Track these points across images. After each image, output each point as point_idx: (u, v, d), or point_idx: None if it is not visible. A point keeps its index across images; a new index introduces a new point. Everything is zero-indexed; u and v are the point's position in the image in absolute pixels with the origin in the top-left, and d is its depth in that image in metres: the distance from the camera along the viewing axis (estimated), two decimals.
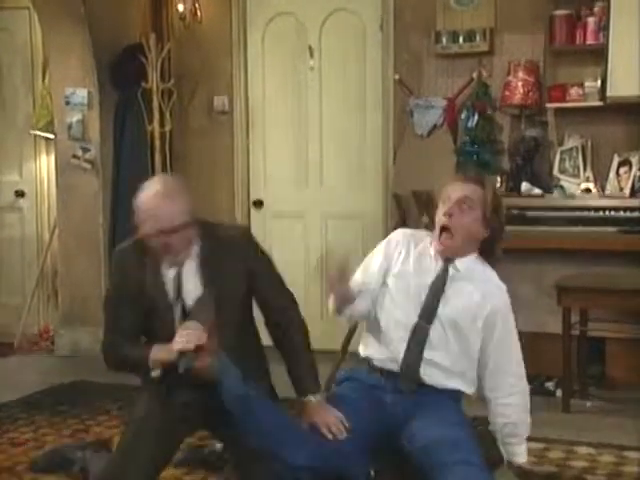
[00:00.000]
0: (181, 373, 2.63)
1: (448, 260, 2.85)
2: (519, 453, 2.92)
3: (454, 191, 2.83)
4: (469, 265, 2.86)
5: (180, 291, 2.75)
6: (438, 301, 2.82)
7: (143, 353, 2.72)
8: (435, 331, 2.81)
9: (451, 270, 2.85)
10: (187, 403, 2.76)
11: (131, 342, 2.78)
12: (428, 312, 2.81)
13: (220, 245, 2.78)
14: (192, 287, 2.75)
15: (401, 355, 2.81)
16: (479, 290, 2.83)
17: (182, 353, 2.62)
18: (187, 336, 2.62)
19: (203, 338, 2.63)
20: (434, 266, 2.86)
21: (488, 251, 2.91)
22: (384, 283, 2.89)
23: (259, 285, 2.83)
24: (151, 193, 2.66)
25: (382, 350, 2.87)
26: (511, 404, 2.88)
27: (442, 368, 2.82)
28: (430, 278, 2.85)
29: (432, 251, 2.88)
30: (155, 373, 2.72)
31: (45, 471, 3.55)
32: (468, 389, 2.89)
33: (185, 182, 2.82)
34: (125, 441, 2.84)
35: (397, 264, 2.89)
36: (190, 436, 3.06)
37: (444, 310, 2.81)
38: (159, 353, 2.70)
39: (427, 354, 2.81)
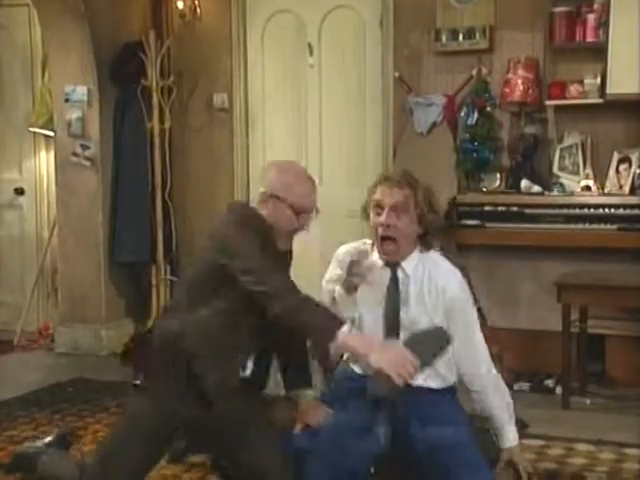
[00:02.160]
0: (375, 395, 2.47)
1: (394, 266, 2.85)
2: (504, 436, 2.91)
3: (385, 197, 2.81)
4: (415, 265, 2.86)
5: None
6: (398, 310, 2.83)
7: (335, 321, 2.51)
8: (405, 340, 2.81)
9: (400, 275, 2.85)
10: (188, 419, 2.67)
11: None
12: (392, 324, 2.81)
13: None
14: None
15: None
16: (432, 285, 2.83)
17: (385, 377, 2.43)
18: (408, 373, 2.45)
19: (413, 377, 2.47)
20: (383, 276, 2.85)
21: (425, 245, 2.90)
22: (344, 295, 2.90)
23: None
24: (311, 188, 2.79)
25: (366, 369, 2.88)
26: (485, 391, 2.88)
27: (423, 373, 2.83)
28: (383, 290, 2.84)
29: (378, 262, 2.87)
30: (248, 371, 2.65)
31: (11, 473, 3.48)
32: (453, 378, 2.90)
33: None
34: (115, 442, 2.80)
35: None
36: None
37: (407, 316, 2.82)
38: (357, 340, 2.52)
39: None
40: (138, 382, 2.68)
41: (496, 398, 2.90)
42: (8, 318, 6.30)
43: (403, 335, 2.82)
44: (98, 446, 2.94)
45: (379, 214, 2.82)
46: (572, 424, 4.09)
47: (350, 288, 2.86)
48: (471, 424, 2.93)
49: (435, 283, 2.83)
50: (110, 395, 4.61)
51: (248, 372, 2.69)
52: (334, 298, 2.92)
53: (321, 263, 5.67)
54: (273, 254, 2.70)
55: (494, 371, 2.93)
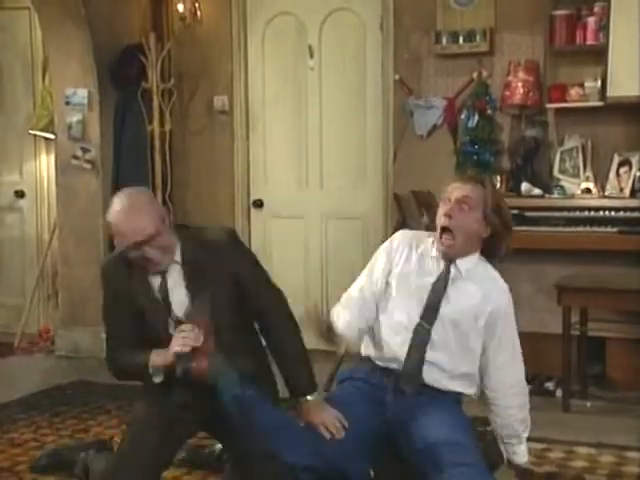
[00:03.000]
0: (179, 375, 2.64)
1: (450, 261, 2.85)
2: (519, 453, 2.92)
3: (454, 191, 2.83)
4: (471, 266, 2.86)
5: (167, 297, 2.77)
6: (440, 302, 2.82)
7: (143, 359, 2.73)
8: (437, 332, 2.80)
9: (453, 271, 2.84)
10: (186, 404, 2.76)
11: (132, 350, 2.79)
12: (430, 313, 2.81)
13: (203, 249, 2.79)
14: (178, 292, 2.77)
15: (403, 355, 2.81)
16: (481, 291, 2.83)
17: (179, 356, 2.64)
18: (183, 339, 2.65)
19: (199, 340, 2.64)
20: (436, 267, 2.86)
21: (490, 250, 2.91)
22: (387, 284, 2.89)
23: (242, 286, 2.82)
24: (115, 210, 2.70)
25: (384, 350, 2.87)
26: (511, 405, 2.87)
27: (444, 369, 2.82)
28: (432, 279, 2.84)
29: (434, 252, 2.87)
30: (158, 379, 2.73)
31: (45, 472, 3.55)
32: (469, 390, 2.89)
33: (149, 193, 2.87)
34: (126, 443, 2.84)
35: (399, 265, 2.88)
36: (191, 437, 3.06)
37: (446, 311, 2.81)
38: (158, 358, 2.71)
39: (429, 355, 2.80)
40: (158, 379, 2.72)
41: (520, 413, 2.89)
42: (8, 320, 6.30)
43: (437, 327, 2.81)
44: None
45: (445, 206, 2.82)
46: (572, 427, 4.09)
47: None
48: (472, 427, 2.93)
49: (484, 291, 2.83)
50: (110, 398, 4.61)
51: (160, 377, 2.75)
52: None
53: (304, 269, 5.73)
54: None
55: (526, 388, 2.93)
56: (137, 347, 2.78)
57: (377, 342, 2.90)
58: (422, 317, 2.81)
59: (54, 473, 3.53)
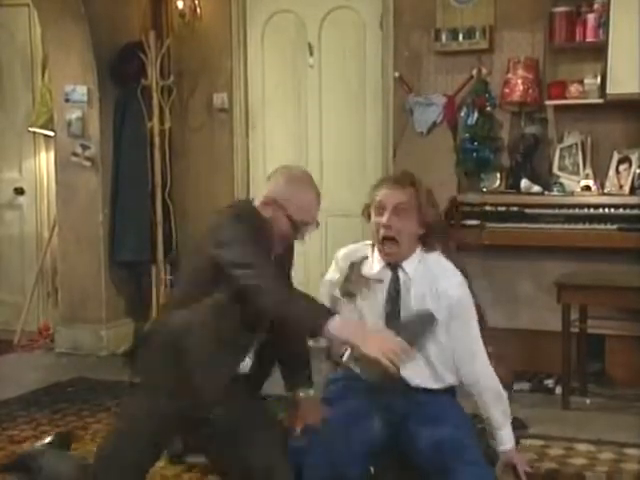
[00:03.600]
0: (375, 381, 2.61)
1: (395, 267, 2.85)
2: (498, 440, 2.93)
3: (387, 199, 2.81)
4: (416, 265, 2.87)
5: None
6: (398, 311, 2.83)
7: (321, 313, 2.53)
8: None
9: (402, 276, 2.85)
10: (175, 411, 2.65)
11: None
12: (392, 325, 2.81)
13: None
14: None
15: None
16: (433, 287, 2.84)
17: (376, 364, 2.48)
18: (397, 355, 2.48)
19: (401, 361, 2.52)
20: (384, 277, 2.85)
21: (428, 245, 2.90)
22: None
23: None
24: (315, 201, 2.77)
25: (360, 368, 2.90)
26: (484, 391, 2.89)
27: (422, 374, 2.84)
28: (384, 290, 2.84)
29: (378, 263, 2.87)
30: (346, 357, 2.59)
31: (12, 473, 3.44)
32: (456, 381, 2.90)
33: None
34: (114, 443, 2.78)
35: (351, 287, 2.88)
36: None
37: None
38: (348, 328, 2.50)
39: (406, 364, 2.81)
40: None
41: (492, 400, 2.91)
42: (8, 318, 6.30)
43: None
44: (97, 447, 2.92)
45: (381, 214, 2.81)
46: (572, 424, 4.09)
47: (349, 295, 2.86)
48: (472, 424, 2.93)
49: (436, 284, 2.83)
50: (110, 395, 4.61)
51: (247, 368, 2.69)
52: (336, 300, 2.92)
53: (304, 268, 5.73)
54: (267, 252, 2.68)
55: (491, 373, 2.93)
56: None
57: (357, 361, 2.89)
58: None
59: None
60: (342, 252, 3.03)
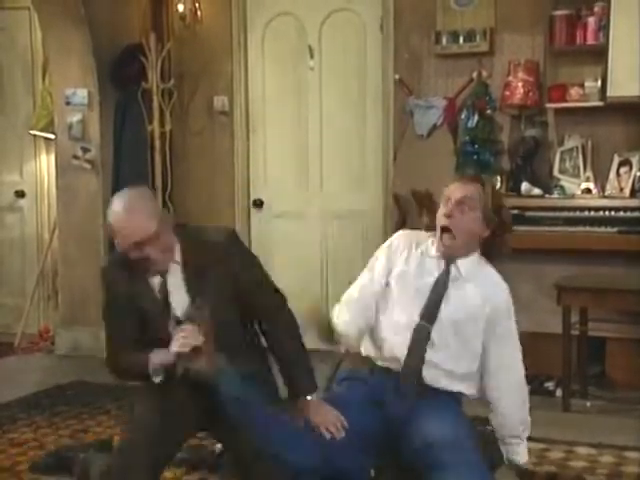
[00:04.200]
0: (179, 375, 2.66)
1: (450, 261, 2.85)
2: (519, 453, 2.92)
3: (454, 191, 2.83)
4: (470, 266, 2.86)
5: (167, 297, 2.77)
6: (440, 302, 2.82)
7: (143, 359, 2.74)
8: (437, 332, 2.80)
9: (453, 271, 2.84)
10: (186, 403, 2.76)
11: (132, 350, 2.80)
12: (430, 313, 2.81)
13: (203, 249, 2.78)
14: (178, 293, 2.77)
15: (402, 355, 2.81)
16: (480, 291, 2.83)
17: (179, 355, 2.65)
18: (183, 338, 2.65)
19: (199, 339, 2.64)
20: (436, 267, 2.86)
21: (490, 250, 2.91)
22: (387, 284, 2.89)
23: (242, 287, 2.81)
24: (115, 210, 2.69)
25: (383, 350, 2.87)
26: (511, 404, 2.88)
27: (444, 369, 2.82)
28: (432, 279, 2.84)
29: (434, 252, 2.88)
30: (158, 379, 2.73)
31: (45, 472, 3.54)
32: (469, 390, 2.89)
33: (149, 193, 2.85)
34: (125, 442, 2.85)
35: (399, 266, 2.88)
36: (191, 437, 3.06)
37: (446, 311, 2.81)
38: (158, 357, 2.72)
39: (429, 355, 2.80)
40: (158, 379, 2.74)
41: (521, 412, 2.90)
42: (9, 320, 6.30)
43: (437, 327, 2.81)
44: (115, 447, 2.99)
45: (445, 206, 2.82)
46: (572, 427, 4.09)
47: None
48: (472, 425, 2.93)
49: (485, 289, 2.83)
50: (110, 397, 4.61)
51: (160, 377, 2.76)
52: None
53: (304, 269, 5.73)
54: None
55: (525, 388, 2.93)
56: (137, 347, 2.79)
57: (377, 342, 2.90)
58: (422, 317, 2.81)
59: (54, 474, 3.52)
60: (400, 235, 3.00)
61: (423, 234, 3.00)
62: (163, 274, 2.76)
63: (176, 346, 2.65)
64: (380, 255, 2.95)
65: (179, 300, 2.77)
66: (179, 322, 2.75)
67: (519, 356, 2.91)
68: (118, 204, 2.69)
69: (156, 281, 2.78)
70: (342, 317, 2.93)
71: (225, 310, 2.78)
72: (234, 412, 2.62)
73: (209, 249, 2.78)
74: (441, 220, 2.82)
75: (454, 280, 2.84)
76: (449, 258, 2.85)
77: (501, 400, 2.87)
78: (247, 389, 2.64)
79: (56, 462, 3.58)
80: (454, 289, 2.83)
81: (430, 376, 2.82)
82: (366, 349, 2.95)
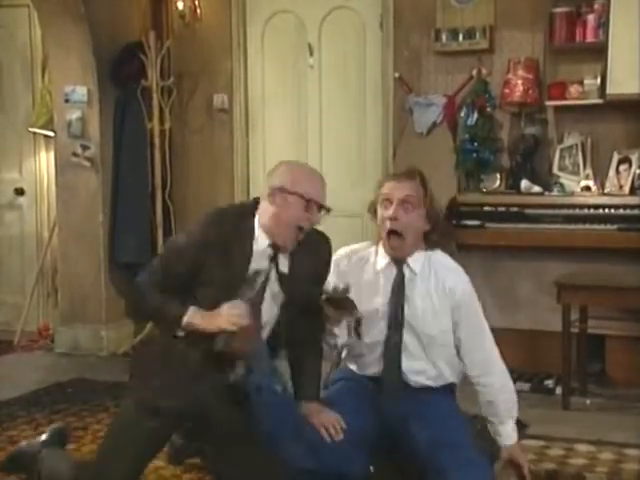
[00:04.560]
0: (218, 349, 2.60)
1: (400, 263, 2.84)
2: (502, 434, 2.91)
3: (394, 191, 2.81)
4: (422, 261, 2.86)
5: (269, 274, 2.74)
6: (402, 308, 2.82)
7: (178, 309, 2.67)
8: (408, 337, 2.82)
9: (407, 272, 2.84)
10: (173, 408, 2.70)
11: (169, 294, 2.70)
12: (395, 321, 2.82)
13: (307, 245, 2.78)
14: (273, 279, 2.76)
15: (380, 371, 2.85)
16: (439, 282, 2.84)
17: (223, 331, 2.60)
18: (235, 317, 2.60)
19: (246, 321, 2.60)
20: (388, 274, 2.85)
21: (431, 242, 2.90)
22: None
23: (311, 301, 2.81)
24: (321, 184, 2.77)
25: (364, 367, 2.92)
26: (489, 383, 2.89)
27: (424, 372, 2.85)
28: (389, 287, 2.83)
29: (381, 259, 2.86)
30: (180, 333, 2.67)
31: (11, 473, 3.42)
32: (456, 379, 2.91)
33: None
34: (111, 442, 2.82)
35: (353, 286, 2.81)
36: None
37: (410, 314, 2.82)
38: (197, 318, 2.65)
39: (406, 364, 2.82)
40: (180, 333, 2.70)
41: (503, 395, 2.90)
42: (8, 318, 6.30)
43: (406, 334, 2.82)
44: (97, 447, 2.94)
45: (387, 208, 2.81)
46: (572, 424, 4.09)
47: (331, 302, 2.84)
48: (471, 425, 2.93)
49: (443, 282, 2.83)
50: (110, 395, 4.60)
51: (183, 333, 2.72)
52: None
53: None
54: (188, 258, 2.71)
55: (500, 363, 2.93)
56: (174, 294, 2.71)
57: (356, 359, 2.93)
58: (389, 327, 2.82)
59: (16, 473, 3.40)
60: (341, 252, 3.01)
61: (360, 247, 2.98)
62: (277, 252, 2.74)
63: (226, 322, 2.60)
64: (331, 280, 2.93)
65: (272, 283, 2.75)
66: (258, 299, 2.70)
67: (489, 336, 2.91)
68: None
69: (266, 253, 2.73)
70: None
71: (295, 308, 2.79)
72: (253, 400, 2.59)
73: (313, 247, 2.79)
74: (387, 224, 2.80)
75: (410, 281, 2.83)
76: (399, 260, 2.84)
77: (479, 379, 2.89)
78: (273, 383, 2.63)
79: (18, 463, 3.39)
80: (412, 290, 2.83)
81: (415, 380, 2.84)
82: (348, 362, 2.98)
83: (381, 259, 2.87)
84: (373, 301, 2.85)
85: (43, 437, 3.39)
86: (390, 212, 2.78)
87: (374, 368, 2.88)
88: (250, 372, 2.64)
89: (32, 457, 3.25)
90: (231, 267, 2.68)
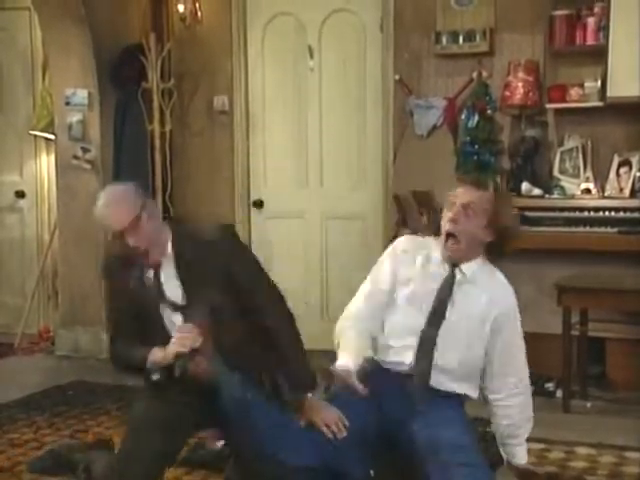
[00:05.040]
0: (177, 375, 2.66)
1: (454, 265, 2.85)
2: (518, 454, 2.91)
3: (459, 196, 2.82)
4: (475, 269, 2.85)
5: (161, 292, 2.80)
6: (446, 306, 2.81)
7: (143, 356, 2.77)
8: (443, 336, 2.80)
9: (458, 275, 2.84)
10: (186, 405, 2.76)
11: (133, 347, 2.82)
12: (436, 318, 2.81)
13: (196, 244, 2.81)
14: (170, 284, 2.80)
15: (409, 360, 2.81)
16: (486, 294, 2.83)
17: (178, 356, 2.66)
18: (182, 339, 2.68)
19: (198, 341, 2.66)
20: (440, 272, 2.85)
21: (495, 253, 2.90)
22: (393, 290, 2.89)
23: (237, 283, 2.82)
24: (98, 205, 2.85)
25: (389, 354, 2.86)
26: (513, 405, 2.87)
27: (450, 373, 2.82)
28: (436, 284, 2.83)
29: (438, 257, 2.87)
30: (155, 377, 2.74)
31: (44, 472, 3.53)
32: (474, 393, 2.89)
33: (130, 185, 2.92)
34: (128, 442, 2.83)
35: (403, 271, 2.86)
36: (192, 436, 3.06)
37: (451, 315, 2.81)
38: (156, 356, 2.74)
39: (436, 360, 2.80)
40: (155, 377, 2.75)
41: (523, 416, 2.89)
42: (9, 321, 6.30)
43: (443, 331, 2.81)
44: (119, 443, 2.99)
45: (450, 210, 2.82)
46: (572, 427, 4.09)
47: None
48: (473, 426, 2.93)
49: (492, 292, 2.83)
50: (110, 398, 4.61)
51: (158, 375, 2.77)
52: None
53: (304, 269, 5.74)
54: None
55: (528, 389, 2.92)
56: (138, 344, 2.81)
57: (383, 346, 2.89)
58: (428, 322, 2.81)
59: (53, 474, 3.52)
60: (403, 240, 2.99)
61: (426, 239, 2.99)
62: (157, 267, 2.81)
63: (175, 346, 2.67)
64: (384, 261, 2.93)
65: (172, 292, 2.80)
66: (175, 307, 2.77)
67: (524, 359, 2.90)
68: (100, 198, 2.87)
69: (150, 275, 2.82)
70: (348, 335, 2.85)
71: (221, 308, 2.78)
72: (234, 414, 2.62)
73: (202, 244, 2.82)
74: (446, 225, 2.82)
75: (459, 284, 2.83)
76: (453, 262, 2.84)
77: (502, 402, 2.87)
78: (246, 390, 2.63)
79: (54, 462, 3.57)
80: (459, 293, 2.83)
81: (436, 379, 2.82)
82: (374, 353, 2.95)
83: (438, 255, 2.87)
84: (420, 286, 2.82)
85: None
86: (450, 214, 2.80)
87: (402, 358, 2.83)
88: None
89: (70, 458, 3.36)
90: (141, 300, 2.81)
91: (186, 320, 2.74)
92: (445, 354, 2.80)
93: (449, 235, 2.81)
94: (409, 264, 2.88)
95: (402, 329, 2.83)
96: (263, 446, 2.62)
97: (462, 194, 2.83)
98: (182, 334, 2.69)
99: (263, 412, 2.67)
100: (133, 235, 2.73)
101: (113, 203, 2.82)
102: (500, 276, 2.92)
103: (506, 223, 2.87)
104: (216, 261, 2.79)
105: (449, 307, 2.81)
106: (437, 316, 2.80)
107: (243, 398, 2.62)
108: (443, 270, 2.85)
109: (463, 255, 2.83)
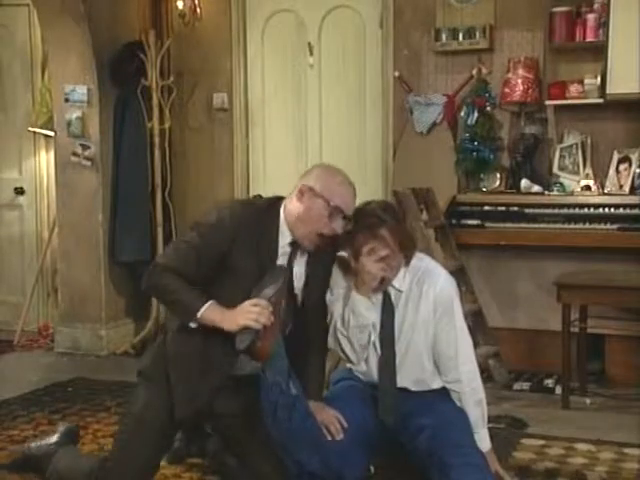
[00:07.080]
0: (240, 349, 2.55)
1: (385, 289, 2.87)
2: (480, 440, 2.91)
3: (377, 249, 2.77)
4: (405, 279, 2.88)
5: (290, 269, 2.75)
6: (393, 328, 2.85)
7: (196, 300, 2.64)
8: (401, 354, 2.86)
9: (392, 293, 2.86)
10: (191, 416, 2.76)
11: (186, 285, 2.67)
12: (388, 341, 2.85)
13: (328, 253, 2.83)
14: (299, 269, 2.79)
15: (374, 380, 2.87)
16: (422, 291, 2.86)
17: (245, 329, 2.55)
18: (257, 314, 2.57)
19: (271, 319, 2.56)
20: (373, 300, 2.86)
21: (409, 256, 2.90)
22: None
23: (323, 300, 2.87)
24: (351, 194, 2.81)
25: (357, 373, 2.95)
26: (459, 391, 2.89)
27: (420, 380, 2.87)
28: (376, 312, 2.85)
29: (362, 298, 2.85)
30: (193, 324, 2.63)
31: (19, 471, 3.46)
32: (440, 384, 2.93)
33: None
34: (125, 439, 2.83)
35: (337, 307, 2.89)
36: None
37: (401, 331, 2.85)
38: (216, 314, 2.62)
39: (400, 380, 2.85)
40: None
41: (470, 401, 2.90)
42: (8, 317, 6.31)
43: (399, 349, 2.84)
44: (113, 440, 2.99)
45: (372, 260, 2.77)
46: (572, 424, 4.09)
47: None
48: (469, 422, 2.93)
49: (422, 286, 2.86)
50: (110, 395, 4.61)
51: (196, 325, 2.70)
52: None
53: None
54: (218, 250, 2.70)
55: (476, 372, 2.93)
56: (188, 285, 2.68)
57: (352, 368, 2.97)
58: (382, 347, 2.86)
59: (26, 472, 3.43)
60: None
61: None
62: (295, 247, 2.76)
63: (249, 319, 2.56)
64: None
65: (298, 275, 2.78)
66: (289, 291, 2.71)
67: (465, 339, 2.92)
68: (351, 188, 2.83)
69: (286, 251, 2.75)
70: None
71: (311, 305, 2.84)
72: (269, 399, 2.58)
73: (331, 253, 2.82)
74: (378, 274, 2.77)
75: (397, 301, 2.86)
76: (384, 289, 2.87)
77: (450, 386, 2.90)
78: (294, 381, 2.63)
79: (30, 464, 3.44)
80: (401, 308, 2.86)
81: (412, 387, 2.86)
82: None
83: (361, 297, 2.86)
84: (364, 315, 2.83)
85: (54, 438, 3.40)
86: (378, 270, 2.76)
87: (368, 378, 2.91)
88: (262, 370, 2.60)
89: (45, 457, 3.26)
90: (258, 257, 2.70)
91: (262, 291, 2.64)
92: (408, 369, 2.86)
93: (384, 279, 2.80)
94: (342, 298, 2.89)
95: (358, 349, 2.88)
96: (291, 442, 2.62)
97: (375, 248, 2.76)
98: (257, 309, 2.57)
99: (302, 408, 2.67)
100: (333, 225, 2.72)
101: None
102: (425, 263, 2.92)
103: (410, 239, 2.90)
104: (328, 266, 2.84)
105: (397, 326, 2.85)
106: (388, 339, 2.84)
107: (287, 388, 2.60)
108: (377, 296, 2.85)
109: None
